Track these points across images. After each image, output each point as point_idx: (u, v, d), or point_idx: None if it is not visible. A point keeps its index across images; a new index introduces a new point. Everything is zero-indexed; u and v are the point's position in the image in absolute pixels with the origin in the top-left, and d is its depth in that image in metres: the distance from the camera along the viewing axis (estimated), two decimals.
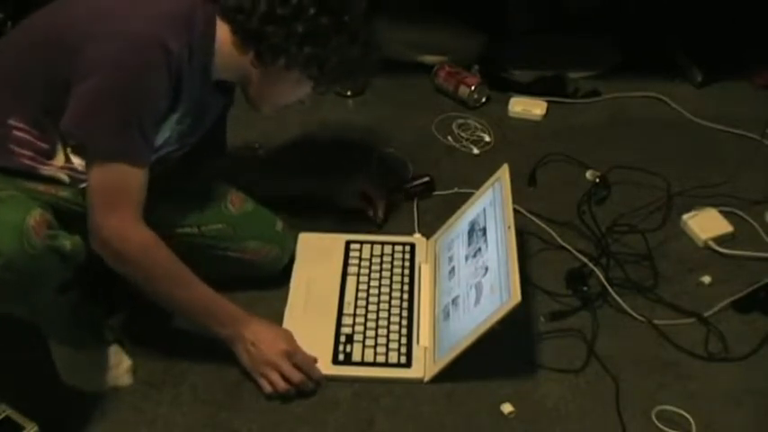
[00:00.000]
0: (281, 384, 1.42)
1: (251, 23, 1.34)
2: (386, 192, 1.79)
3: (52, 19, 1.35)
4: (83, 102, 1.27)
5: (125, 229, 1.33)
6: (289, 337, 1.47)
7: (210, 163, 1.63)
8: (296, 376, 1.43)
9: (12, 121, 1.32)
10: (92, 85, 1.26)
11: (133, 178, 1.33)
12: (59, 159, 1.36)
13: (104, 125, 1.28)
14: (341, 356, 1.49)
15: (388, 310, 1.57)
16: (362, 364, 1.49)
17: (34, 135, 1.33)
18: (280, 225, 1.64)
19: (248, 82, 1.44)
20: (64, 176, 1.37)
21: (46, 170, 1.35)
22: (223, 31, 1.37)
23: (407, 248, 1.69)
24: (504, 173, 1.57)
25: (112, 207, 1.32)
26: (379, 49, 1.46)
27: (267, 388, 1.43)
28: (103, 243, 1.32)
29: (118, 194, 1.32)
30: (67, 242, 1.25)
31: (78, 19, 1.32)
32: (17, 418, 1.33)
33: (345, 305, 1.58)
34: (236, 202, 1.60)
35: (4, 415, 1.33)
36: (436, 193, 1.86)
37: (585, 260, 1.68)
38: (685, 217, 1.77)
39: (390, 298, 1.59)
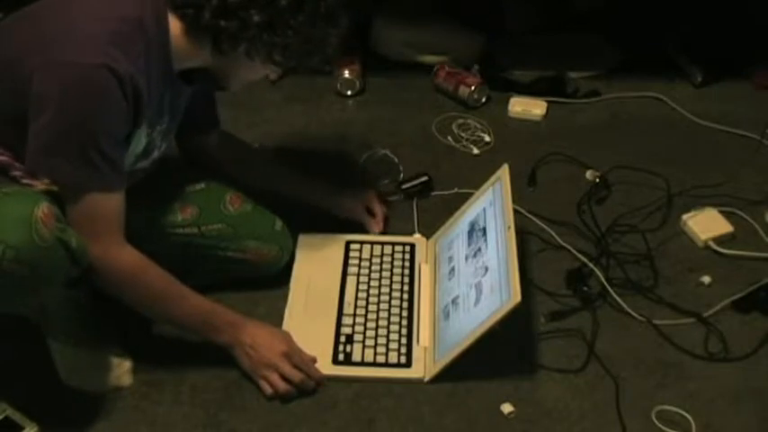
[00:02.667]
0: (282, 385, 1.42)
1: (203, 18, 1.28)
2: (385, 205, 1.77)
3: (2, 48, 1.30)
4: (39, 139, 1.24)
5: (109, 256, 1.32)
6: (287, 338, 1.47)
7: (206, 138, 1.63)
8: (296, 376, 1.43)
9: None
10: (45, 121, 1.23)
11: (107, 204, 1.31)
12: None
13: (64, 160, 1.25)
14: (341, 356, 1.49)
15: (388, 310, 1.57)
16: (362, 364, 1.49)
17: (12, 157, 1.30)
18: (279, 224, 1.64)
19: (212, 67, 1.40)
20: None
21: (40, 186, 1.31)
22: (176, 26, 1.31)
23: (407, 248, 1.69)
24: (504, 173, 1.57)
25: (92, 236, 1.29)
26: (344, 18, 1.38)
27: (268, 390, 1.43)
28: (91, 272, 1.31)
29: (95, 223, 1.30)
30: (73, 239, 1.25)
31: (24, 47, 1.26)
32: (17, 418, 1.33)
33: (345, 305, 1.58)
34: (235, 202, 1.60)
35: (3, 415, 1.33)
36: (436, 193, 1.86)
37: (585, 260, 1.68)
38: (685, 217, 1.77)
39: (390, 298, 1.59)
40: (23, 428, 1.33)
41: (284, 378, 1.42)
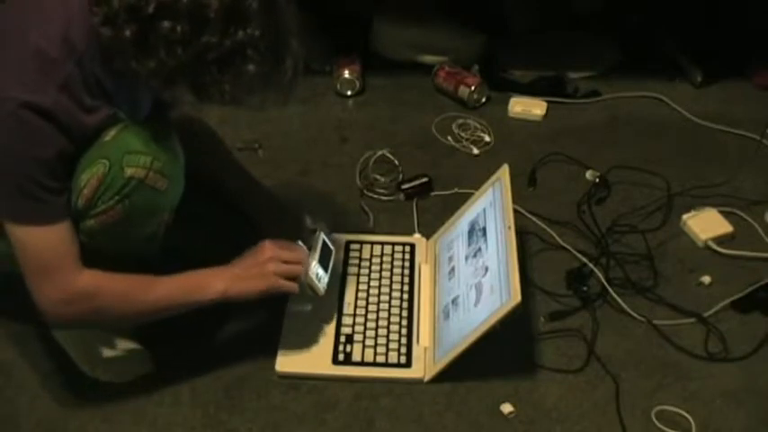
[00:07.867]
0: (287, 283, 1.40)
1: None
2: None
3: None
4: None
5: (64, 290, 1.25)
6: (263, 244, 1.41)
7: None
8: (289, 270, 1.40)
9: None
10: None
11: (52, 237, 1.24)
12: None
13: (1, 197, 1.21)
14: (341, 356, 1.49)
15: (388, 310, 1.57)
16: (362, 364, 1.49)
17: None
18: None
19: None
20: None
21: None
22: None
23: (407, 248, 1.68)
24: (504, 173, 1.57)
25: (45, 273, 1.24)
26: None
27: (295, 289, 1.41)
28: (52, 314, 1.28)
29: (45, 258, 1.24)
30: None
31: None
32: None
33: (345, 305, 1.58)
34: None
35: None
36: (436, 193, 1.86)
37: (585, 260, 1.68)
38: (685, 217, 1.77)
39: (390, 298, 1.59)
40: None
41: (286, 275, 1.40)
